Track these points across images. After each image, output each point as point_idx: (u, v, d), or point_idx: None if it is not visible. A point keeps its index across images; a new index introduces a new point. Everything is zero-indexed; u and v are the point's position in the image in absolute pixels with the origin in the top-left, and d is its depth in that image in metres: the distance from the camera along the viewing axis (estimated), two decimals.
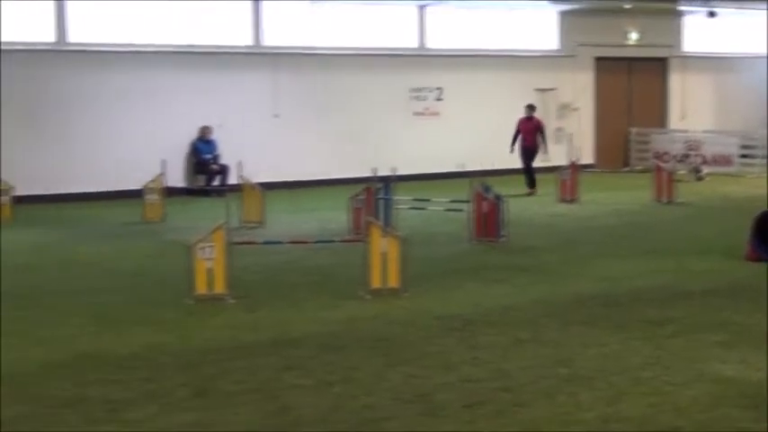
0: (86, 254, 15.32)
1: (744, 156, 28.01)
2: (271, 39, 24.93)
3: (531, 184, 23.04)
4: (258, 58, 24.68)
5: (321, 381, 8.23)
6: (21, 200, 19.59)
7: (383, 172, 16.39)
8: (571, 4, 28.32)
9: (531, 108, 23.54)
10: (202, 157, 24.03)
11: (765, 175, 25.35)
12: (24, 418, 7.42)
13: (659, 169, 21.65)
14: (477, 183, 15.92)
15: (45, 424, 7.30)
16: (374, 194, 16.50)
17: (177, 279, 12.14)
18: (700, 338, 9.50)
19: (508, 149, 23.18)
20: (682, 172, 25.66)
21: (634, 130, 30.21)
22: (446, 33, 27.14)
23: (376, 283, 11.59)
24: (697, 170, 26.62)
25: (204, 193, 23.54)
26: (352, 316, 10.65)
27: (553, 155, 25.78)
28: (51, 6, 22.51)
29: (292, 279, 12.88)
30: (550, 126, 28.46)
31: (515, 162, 23.41)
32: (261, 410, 7.51)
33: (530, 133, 23.29)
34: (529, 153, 23.32)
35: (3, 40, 21.84)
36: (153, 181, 19.09)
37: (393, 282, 11.63)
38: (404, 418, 7.34)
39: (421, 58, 26.84)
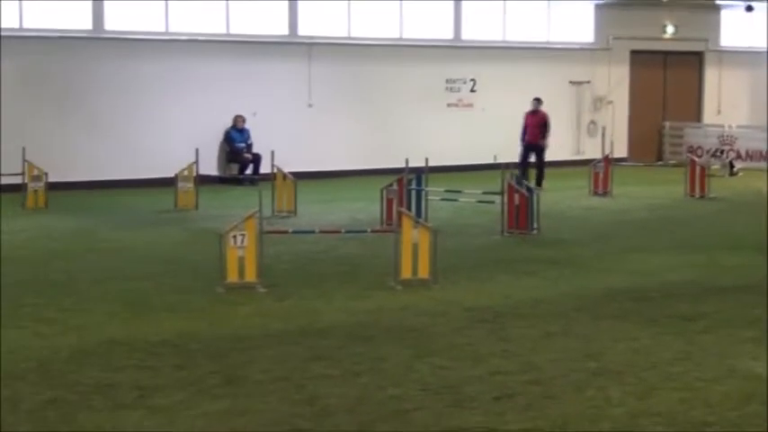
0: (119, 241, 15.39)
1: None
2: (306, 28, 24.92)
3: (538, 180, 22.26)
4: (293, 47, 24.67)
5: (349, 371, 8.24)
6: (54, 186, 19.64)
7: (416, 163, 16.36)
8: None
9: (538, 101, 22.99)
10: (236, 145, 24.07)
11: None
12: (55, 403, 7.47)
13: (693, 164, 21.51)
14: (509, 175, 15.89)
15: (75, 409, 7.35)
16: (406, 185, 16.50)
17: (209, 267, 12.18)
18: (731, 334, 9.45)
19: (518, 146, 22.75)
20: (715, 167, 25.48)
21: (668, 124, 30.02)
22: (481, 25, 27.05)
23: (406, 273, 11.60)
24: (731, 165, 26.44)
25: (237, 181, 23.58)
26: (381, 306, 10.65)
27: (586, 148, 25.65)
28: None
29: (322, 268, 12.90)
30: (584, 119, 28.43)
31: (550, 154, 23.30)
32: (289, 399, 7.53)
33: (535, 127, 22.73)
34: (531, 149, 22.69)
35: (39, 27, 21.96)
36: (186, 169, 19.15)
37: (423, 273, 11.64)
38: (432, 409, 7.33)
39: (455, 49, 26.76)
